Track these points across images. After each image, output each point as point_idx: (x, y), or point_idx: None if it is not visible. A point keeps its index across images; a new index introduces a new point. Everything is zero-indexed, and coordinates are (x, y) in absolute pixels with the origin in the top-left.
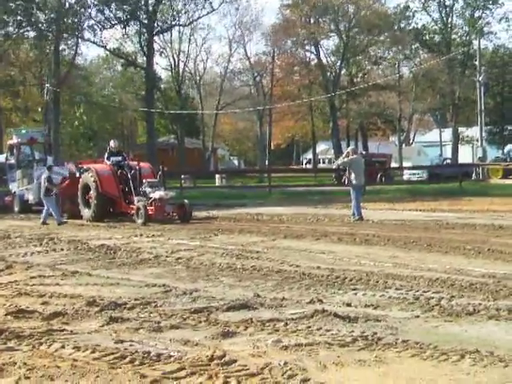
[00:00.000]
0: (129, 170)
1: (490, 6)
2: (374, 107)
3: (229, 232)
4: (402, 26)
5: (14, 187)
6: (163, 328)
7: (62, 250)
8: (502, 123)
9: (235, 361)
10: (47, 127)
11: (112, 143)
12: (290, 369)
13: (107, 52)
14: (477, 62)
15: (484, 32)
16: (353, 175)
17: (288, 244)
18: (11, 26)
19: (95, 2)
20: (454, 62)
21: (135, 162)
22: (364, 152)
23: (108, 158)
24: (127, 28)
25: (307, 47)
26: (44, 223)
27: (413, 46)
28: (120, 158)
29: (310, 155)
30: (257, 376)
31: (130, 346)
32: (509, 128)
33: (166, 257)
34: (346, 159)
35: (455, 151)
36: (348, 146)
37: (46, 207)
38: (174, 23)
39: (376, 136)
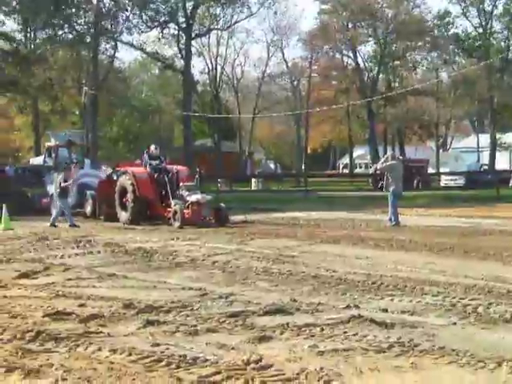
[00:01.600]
0: (166, 174)
1: None
2: (411, 112)
3: (265, 236)
4: (442, 31)
5: (51, 189)
6: (199, 332)
7: (99, 252)
8: None
9: (271, 365)
10: (85, 130)
11: (153, 148)
12: (326, 374)
13: (145, 55)
14: None
15: None
16: (391, 181)
17: (324, 249)
18: (50, 28)
19: (132, 5)
20: (493, 67)
21: (172, 166)
22: (401, 157)
23: (147, 162)
24: (165, 31)
25: (344, 52)
26: (53, 225)
27: (451, 52)
28: (157, 162)
29: (346, 160)
30: (293, 381)
31: (167, 349)
32: None
33: (203, 260)
34: (384, 164)
35: (493, 157)
36: (385, 151)
37: (58, 209)
38: (212, 27)
39: (413, 141)
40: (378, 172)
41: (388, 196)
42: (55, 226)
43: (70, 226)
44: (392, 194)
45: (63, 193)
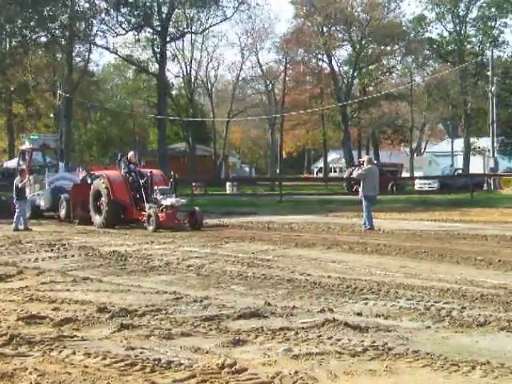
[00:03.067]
0: (140, 177)
1: (504, 16)
2: (385, 117)
3: (240, 240)
4: (416, 35)
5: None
6: (174, 335)
7: (73, 256)
8: None
9: (246, 369)
10: (59, 133)
11: (131, 155)
12: (301, 378)
13: (119, 58)
14: (489, 73)
15: (497, 42)
16: (366, 185)
17: (299, 252)
18: (24, 31)
19: (107, 8)
20: (467, 72)
21: (147, 169)
22: (375, 161)
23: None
24: (140, 34)
25: (319, 56)
26: (17, 229)
27: (426, 56)
28: (132, 166)
29: (321, 164)
30: None
31: (141, 353)
32: None
33: (177, 264)
34: (361, 171)
35: (467, 161)
36: (359, 155)
37: (17, 212)
38: (186, 30)
39: (387, 145)
40: (356, 178)
41: (362, 200)
42: (19, 230)
43: (24, 229)
44: (366, 198)
45: (20, 196)
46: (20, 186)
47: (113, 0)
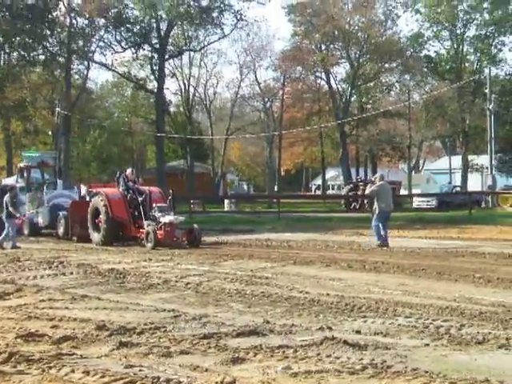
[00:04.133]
0: (139, 195)
1: (501, 35)
2: (383, 134)
3: (238, 257)
4: (414, 53)
5: (23, 210)
6: (173, 353)
7: (72, 273)
8: None
9: None
10: (58, 150)
11: (129, 172)
12: None
13: (117, 76)
14: (487, 90)
15: (495, 60)
16: (381, 201)
17: (297, 270)
18: (23, 48)
19: (106, 25)
20: (465, 89)
21: (145, 187)
22: (373, 179)
23: (126, 186)
24: (139, 52)
25: (317, 74)
26: (1, 247)
27: (423, 74)
28: (130, 183)
29: (319, 181)
30: None
31: (140, 371)
32: None
33: (176, 282)
34: (373, 187)
35: (465, 179)
36: (357, 172)
37: (5, 230)
38: (185, 48)
39: (385, 163)
40: (368, 195)
41: (374, 217)
42: (3, 248)
43: (12, 247)
44: (380, 214)
45: (10, 214)
46: (11, 209)
47: (111, 18)
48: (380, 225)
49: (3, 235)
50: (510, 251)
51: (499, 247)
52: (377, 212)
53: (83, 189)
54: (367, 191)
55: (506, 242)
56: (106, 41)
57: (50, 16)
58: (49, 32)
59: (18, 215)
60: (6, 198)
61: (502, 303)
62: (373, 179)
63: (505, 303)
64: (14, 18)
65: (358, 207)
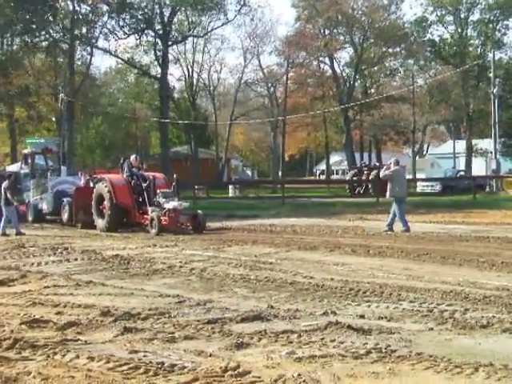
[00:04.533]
0: (143, 181)
1: (505, 19)
2: (387, 119)
3: (242, 243)
4: (418, 37)
5: (27, 197)
6: (177, 339)
7: (76, 259)
8: None
9: (249, 372)
10: (61, 137)
11: (133, 158)
12: (304, 381)
13: (121, 62)
14: (491, 74)
15: (499, 44)
16: (394, 186)
17: (301, 255)
18: (26, 34)
19: (109, 11)
20: (469, 74)
21: (149, 173)
22: (377, 163)
23: (130, 172)
24: (142, 38)
25: (321, 59)
26: (4, 234)
27: (428, 58)
28: (134, 169)
29: (323, 166)
30: None
31: (144, 356)
32: None
33: (180, 267)
34: (387, 171)
35: (469, 163)
36: (361, 157)
37: (4, 217)
38: (188, 34)
39: (390, 147)
40: (382, 178)
41: (392, 203)
42: (7, 235)
43: (16, 234)
44: (396, 199)
45: (8, 201)
46: (8, 195)
47: (114, 4)
48: (396, 209)
49: (2, 222)
50: None
51: (503, 231)
52: (390, 197)
53: (82, 178)
54: (381, 175)
55: (510, 226)
56: (109, 27)
57: (51, 1)
58: (51, 18)
59: (15, 203)
60: (4, 184)
61: (507, 287)
62: (388, 163)
63: (509, 287)
64: (15, 2)
65: (362, 192)
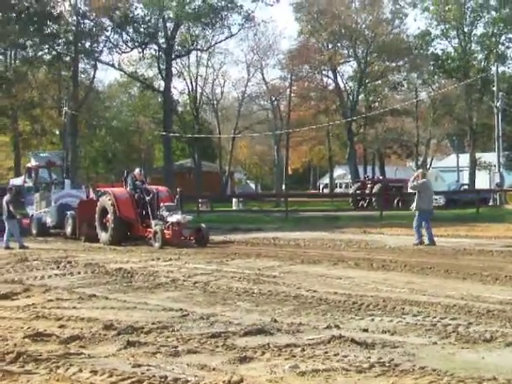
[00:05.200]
0: (146, 194)
1: (509, 32)
2: (391, 132)
3: (246, 256)
4: (421, 51)
5: (31, 210)
6: (180, 352)
7: (79, 273)
8: None
9: None
10: (65, 150)
11: (137, 172)
12: None
13: (124, 76)
14: (494, 88)
15: (503, 57)
16: (422, 198)
17: (305, 269)
18: (30, 48)
19: (113, 25)
20: (472, 87)
21: (153, 186)
22: (381, 177)
23: (134, 186)
24: (145, 51)
25: (324, 72)
26: (8, 247)
27: (431, 72)
28: (138, 183)
29: (326, 180)
30: None
31: (148, 370)
32: None
33: (183, 281)
34: (415, 183)
35: (472, 177)
36: (365, 170)
37: (6, 230)
38: (192, 48)
39: (393, 161)
40: (411, 190)
41: (416, 215)
42: (10, 248)
43: (19, 247)
44: (422, 212)
45: (10, 214)
46: (11, 209)
47: (117, 19)
48: (422, 223)
49: (5, 237)
50: None
51: (507, 245)
52: (416, 211)
53: (91, 191)
54: (409, 185)
55: None
56: (112, 41)
57: (55, 15)
58: (55, 31)
59: (18, 216)
60: (6, 198)
61: (510, 301)
62: (415, 175)
63: None
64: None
65: (365, 205)
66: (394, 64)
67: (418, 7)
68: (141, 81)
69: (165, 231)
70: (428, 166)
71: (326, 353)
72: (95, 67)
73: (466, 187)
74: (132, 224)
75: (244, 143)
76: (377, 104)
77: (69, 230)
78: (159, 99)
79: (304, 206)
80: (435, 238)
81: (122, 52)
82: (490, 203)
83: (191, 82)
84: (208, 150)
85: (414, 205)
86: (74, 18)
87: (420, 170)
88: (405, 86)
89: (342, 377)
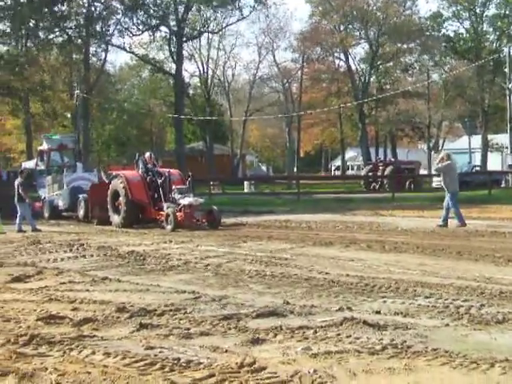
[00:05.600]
0: (158, 177)
1: None
2: (402, 114)
3: (257, 239)
4: (433, 32)
5: (43, 193)
6: (193, 335)
7: (92, 255)
8: None
9: (265, 368)
10: (77, 133)
11: (148, 156)
12: (320, 377)
13: (136, 58)
14: (506, 69)
15: None
16: (449, 181)
17: (317, 251)
18: (41, 31)
19: (124, 8)
20: (484, 69)
21: (165, 169)
22: (393, 159)
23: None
24: (156, 34)
25: (336, 54)
26: (20, 231)
27: (442, 53)
28: (149, 166)
29: (338, 162)
30: (286, 383)
31: (160, 352)
32: None
33: (195, 263)
34: (440, 165)
35: (485, 158)
36: (377, 153)
37: (19, 213)
38: (203, 30)
39: (405, 143)
40: (437, 172)
41: (446, 197)
42: (23, 231)
43: (32, 230)
44: (451, 194)
45: (21, 197)
46: (21, 191)
47: (127, 2)
48: (449, 203)
49: (18, 219)
50: None
51: None
52: (448, 194)
53: (103, 174)
54: (434, 168)
55: None
56: (123, 24)
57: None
58: (66, 14)
59: (27, 199)
60: (17, 181)
61: None
62: (440, 157)
63: None
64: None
65: (377, 188)
66: (405, 46)
67: None
68: (152, 63)
69: (177, 214)
70: (440, 148)
71: (339, 335)
72: (106, 50)
73: (478, 169)
74: (144, 207)
75: (255, 126)
76: (388, 86)
77: (81, 212)
78: (170, 82)
79: (316, 189)
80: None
81: (133, 35)
82: (502, 185)
83: (202, 65)
84: (219, 132)
85: (444, 187)
86: (85, 0)
87: (445, 152)
88: (416, 67)
89: (355, 358)
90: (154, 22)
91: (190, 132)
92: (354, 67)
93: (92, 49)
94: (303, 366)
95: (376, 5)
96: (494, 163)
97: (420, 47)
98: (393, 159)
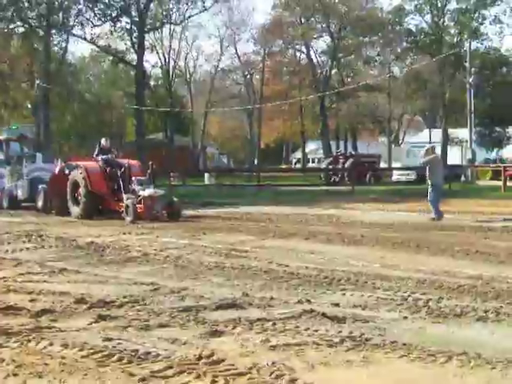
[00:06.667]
0: (118, 168)
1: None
2: (363, 107)
3: (217, 231)
4: (395, 26)
5: (2, 183)
6: (151, 326)
7: (51, 246)
8: (492, 125)
9: (223, 360)
10: (37, 124)
11: (103, 141)
12: (278, 369)
13: (96, 49)
14: (467, 64)
15: (476, 33)
16: (433, 174)
17: (276, 243)
18: (1, 21)
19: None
20: (445, 63)
21: (124, 160)
22: (353, 152)
23: (98, 156)
24: (117, 25)
25: (297, 47)
26: None
27: (404, 47)
28: (109, 156)
29: (299, 155)
30: (245, 375)
31: (118, 344)
32: (498, 130)
33: (155, 255)
34: (426, 158)
35: (445, 152)
36: (337, 146)
37: None
38: (165, 21)
39: (366, 136)
40: (423, 165)
41: (429, 190)
42: None
43: None
44: (435, 187)
45: None
46: None
47: None
48: (429, 195)
49: None
50: (488, 225)
51: (478, 220)
52: (432, 184)
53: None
54: (420, 161)
55: (484, 216)
56: (84, 14)
57: None
58: (27, 4)
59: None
60: None
61: (481, 276)
62: (425, 149)
63: (483, 276)
64: None
65: (337, 181)
66: (367, 39)
67: None
68: (113, 54)
69: (137, 205)
70: (400, 142)
71: (297, 327)
72: (67, 40)
73: None
74: (104, 198)
75: (217, 118)
76: (350, 79)
77: (40, 203)
78: (131, 73)
79: (276, 181)
80: (403, 213)
81: (94, 25)
82: (462, 179)
83: (164, 56)
84: (180, 124)
85: (428, 180)
86: None
87: (430, 145)
88: (378, 61)
89: (313, 351)
90: (115, 12)
91: (152, 123)
92: (315, 60)
93: (53, 39)
94: (262, 358)
95: None
96: (454, 157)
97: (382, 41)
98: (353, 152)
